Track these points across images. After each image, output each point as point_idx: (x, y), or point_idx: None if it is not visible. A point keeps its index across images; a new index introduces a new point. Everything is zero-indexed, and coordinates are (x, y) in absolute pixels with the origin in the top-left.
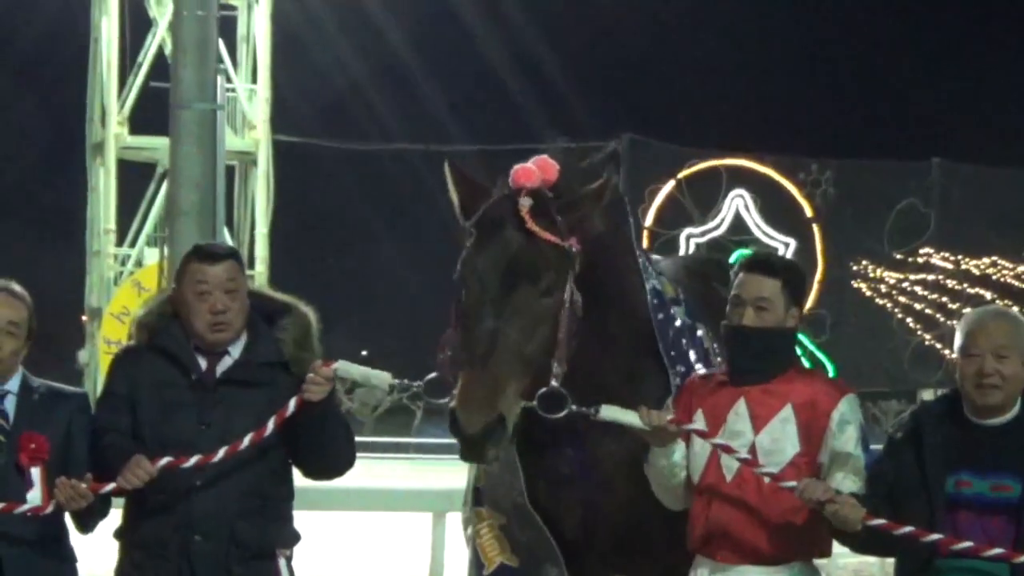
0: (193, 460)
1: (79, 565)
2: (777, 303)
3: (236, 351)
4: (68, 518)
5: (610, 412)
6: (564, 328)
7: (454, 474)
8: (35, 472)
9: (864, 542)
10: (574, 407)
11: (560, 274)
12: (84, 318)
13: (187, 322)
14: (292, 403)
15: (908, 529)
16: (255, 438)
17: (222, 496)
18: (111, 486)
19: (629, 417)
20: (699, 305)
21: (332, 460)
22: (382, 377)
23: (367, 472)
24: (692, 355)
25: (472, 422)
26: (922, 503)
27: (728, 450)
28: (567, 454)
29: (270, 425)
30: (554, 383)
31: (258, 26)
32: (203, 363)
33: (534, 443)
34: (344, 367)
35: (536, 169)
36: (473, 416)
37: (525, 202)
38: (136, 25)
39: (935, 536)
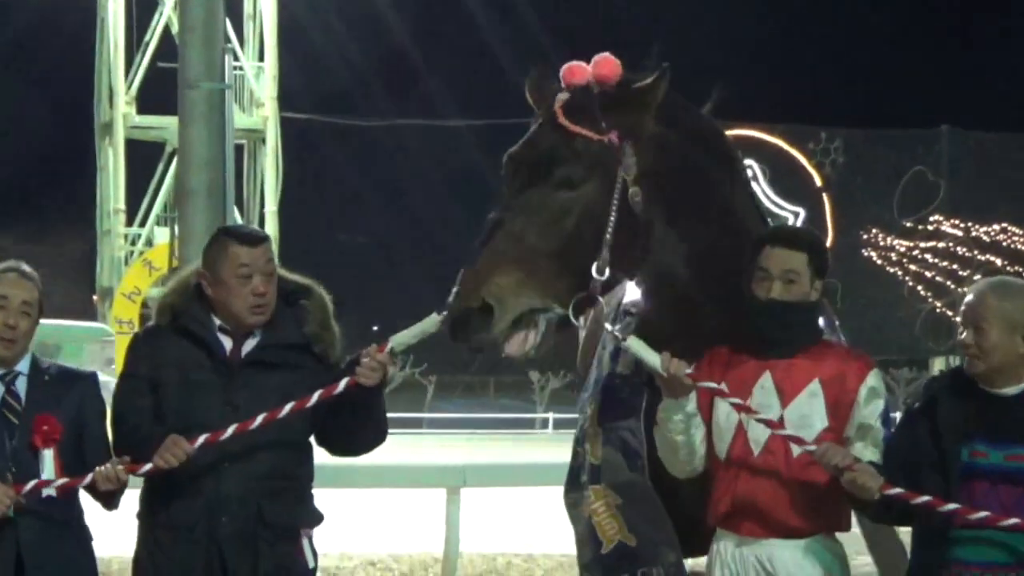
0: (231, 430)
1: (95, 544)
2: (804, 276)
3: (259, 333)
4: (86, 496)
5: (635, 344)
6: (611, 228)
7: (467, 449)
8: (48, 453)
9: (880, 512)
10: (608, 325)
11: (593, 167)
12: (95, 297)
13: (222, 304)
14: (344, 383)
15: (925, 499)
16: (296, 407)
17: (248, 477)
18: (148, 466)
19: (651, 356)
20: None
21: (366, 439)
22: (433, 322)
23: (379, 448)
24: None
25: (453, 306)
26: (937, 474)
27: (750, 411)
28: None
29: (314, 397)
30: (595, 288)
31: (264, 4)
32: (227, 344)
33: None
34: (399, 340)
35: (588, 66)
36: (455, 301)
37: (561, 96)
38: (142, 4)
39: (952, 506)
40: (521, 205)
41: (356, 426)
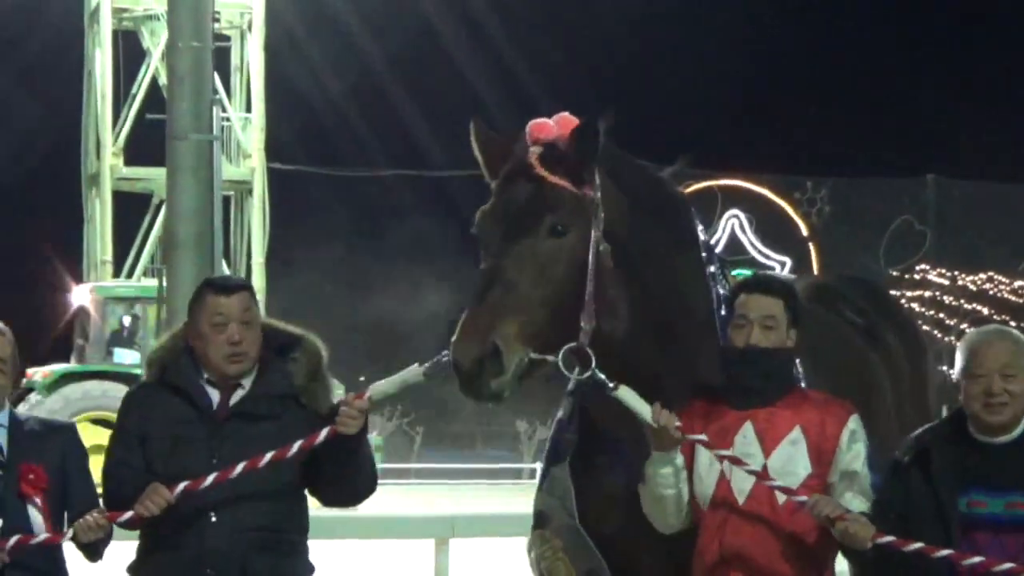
0: (211, 478)
1: None
2: (782, 322)
3: (248, 384)
4: (72, 547)
5: (627, 394)
6: (591, 280)
7: (456, 499)
8: (37, 502)
9: (876, 566)
10: (598, 373)
11: (574, 217)
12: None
13: (203, 355)
14: (324, 432)
15: (918, 545)
16: (277, 456)
17: (235, 531)
18: (129, 514)
19: (642, 407)
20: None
21: (354, 489)
22: (414, 373)
23: (368, 499)
24: None
25: (464, 353)
26: (936, 525)
27: (737, 462)
28: (615, 474)
29: (295, 447)
30: (583, 339)
31: (251, 55)
32: (216, 396)
33: (584, 463)
34: (378, 390)
35: (553, 124)
36: (464, 347)
37: (535, 150)
38: (129, 56)
39: (945, 552)
40: (513, 254)
41: (343, 475)
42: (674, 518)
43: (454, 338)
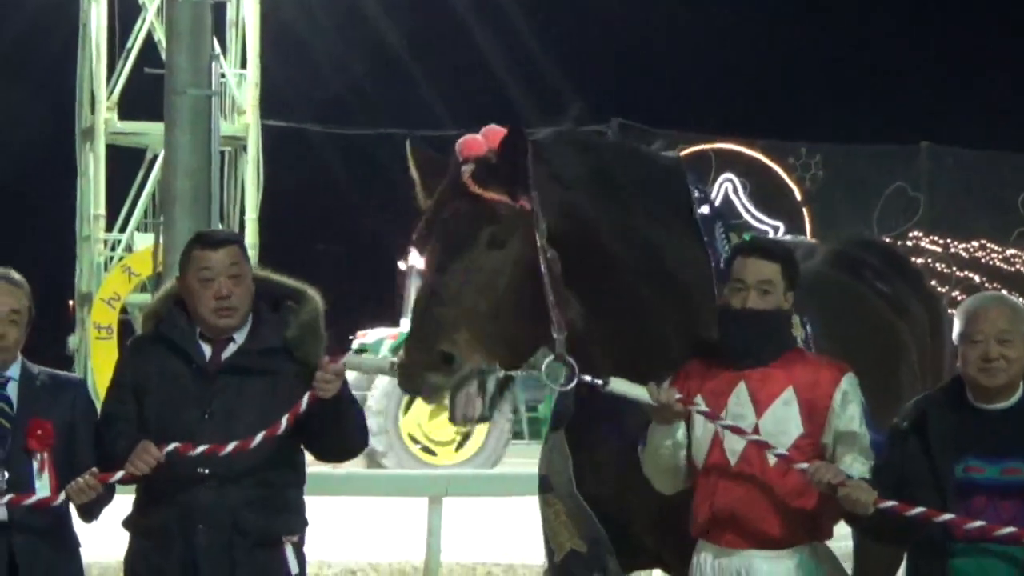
0: (200, 449)
1: (82, 551)
2: (778, 286)
3: (240, 338)
4: (72, 507)
5: (619, 385)
6: (550, 292)
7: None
8: (43, 457)
9: (876, 528)
10: (585, 377)
11: (512, 229)
12: (71, 303)
13: (192, 310)
14: (305, 400)
15: (920, 510)
16: (268, 435)
17: (226, 486)
18: (119, 474)
19: (638, 391)
20: (830, 292)
21: (344, 446)
22: (387, 363)
23: (361, 457)
24: None
25: (405, 358)
26: (932, 491)
27: (738, 431)
28: (611, 442)
29: (283, 423)
30: (559, 349)
31: (247, 11)
32: (208, 351)
33: (580, 428)
34: (352, 361)
35: (482, 139)
36: (413, 359)
37: (467, 168)
38: (124, 10)
39: (947, 516)
40: (453, 269)
41: (331, 432)
42: (674, 483)
43: (400, 354)
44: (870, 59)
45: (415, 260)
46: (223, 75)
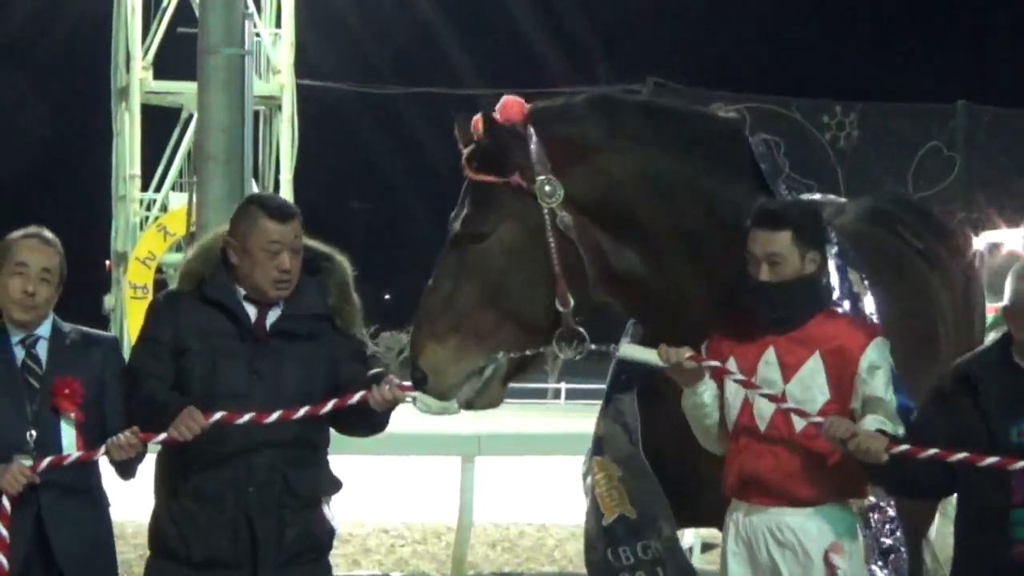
0: (246, 418)
1: (111, 510)
2: (790, 255)
3: (281, 302)
4: (105, 464)
5: (628, 350)
6: (559, 262)
7: (480, 418)
8: (71, 416)
9: (898, 483)
10: (592, 346)
11: (501, 212)
12: (108, 263)
13: (246, 275)
14: (357, 396)
15: (933, 451)
16: (311, 412)
17: (274, 447)
18: (162, 436)
19: (648, 355)
20: (868, 249)
21: (369, 432)
22: (451, 407)
23: (394, 416)
24: (835, 295)
25: (425, 378)
26: (987, 455)
27: (749, 385)
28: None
29: (329, 405)
30: (565, 322)
31: None
32: (252, 313)
33: (650, 390)
34: (421, 401)
35: (496, 115)
36: (418, 372)
37: (465, 152)
38: None
39: (991, 460)
40: (442, 270)
41: (363, 419)
42: (717, 443)
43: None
44: (907, 17)
45: None
46: (258, 34)
